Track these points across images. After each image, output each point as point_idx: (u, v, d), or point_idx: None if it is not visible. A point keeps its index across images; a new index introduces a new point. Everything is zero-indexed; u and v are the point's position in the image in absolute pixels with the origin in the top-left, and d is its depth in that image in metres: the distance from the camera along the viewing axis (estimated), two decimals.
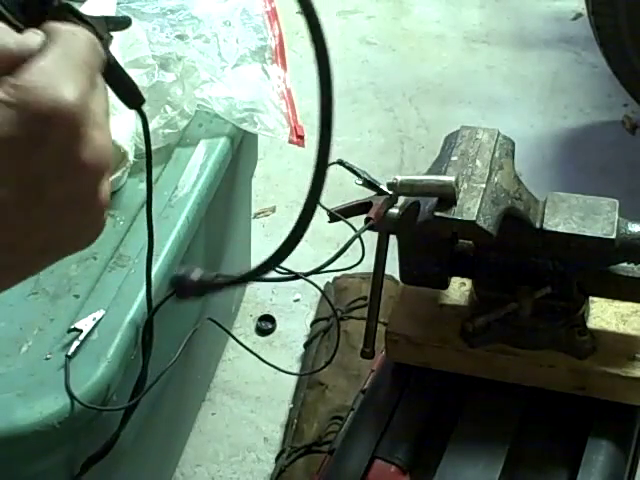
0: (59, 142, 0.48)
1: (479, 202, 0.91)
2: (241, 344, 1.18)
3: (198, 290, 0.71)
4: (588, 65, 2.70)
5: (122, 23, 0.64)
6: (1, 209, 0.47)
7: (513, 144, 1.01)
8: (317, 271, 0.92)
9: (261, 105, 1.38)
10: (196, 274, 0.70)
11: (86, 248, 0.54)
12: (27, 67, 0.47)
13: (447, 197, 0.91)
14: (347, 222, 1.00)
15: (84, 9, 0.63)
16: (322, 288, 1.90)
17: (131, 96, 0.66)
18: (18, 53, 0.48)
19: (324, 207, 1.01)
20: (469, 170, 0.95)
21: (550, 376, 1.02)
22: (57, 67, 0.48)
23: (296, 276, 0.97)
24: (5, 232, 0.48)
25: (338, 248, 0.93)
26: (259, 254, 1.95)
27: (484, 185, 0.93)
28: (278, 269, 0.96)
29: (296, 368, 1.80)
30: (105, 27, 0.58)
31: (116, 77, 0.62)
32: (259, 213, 2.16)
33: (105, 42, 0.57)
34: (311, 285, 0.95)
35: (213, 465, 1.65)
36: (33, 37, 0.50)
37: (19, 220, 0.48)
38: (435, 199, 0.91)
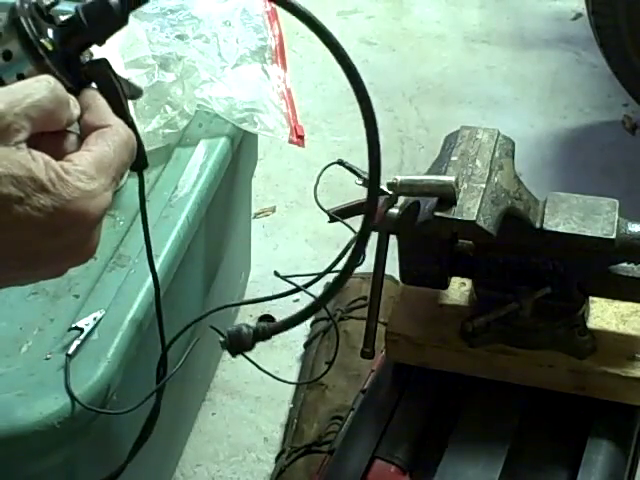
0: (71, 236, 0.56)
1: (479, 202, 0.91)
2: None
3: (252, 344, 0.77)
4: (588, 65, 2.70)
5: (137, 92, 0.67)
6: None
7: (513, 144, 1.01)
8: (316, 280, 0.92)
9: (261, 105, 1.38)
10: (246, 329, 0.77)
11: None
12: (77, 159, 0.56)
13: (447, 197, 0.91)
14: (345, 224, 1.00)
15: None
16: (323, 288, 1.91)
17: (138, 160, 0.68)
18: (70, 114, 0.57)
19: (323, 208, 1.01)
20: (469, 170, 0.95)
21: (550, 376, 1.02)
22: (98, 170, 0.56)
23: (297, 289, 0.97)
24: None
25: (338, 248, 0.93)
26: (259, 254, 1.95)
27: (484, 185, 0.93)
28: (278, 278, 0.97)
29: (296, 368, 1.80)
30: (128, 86, 0.65)
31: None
32: (259, 213, 2.16)
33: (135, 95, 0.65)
34: (311, 285, 0.95)
35: (213, 465, 1.65)
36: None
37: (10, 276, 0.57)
38: (435, 199, 0.91)
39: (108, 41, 0.63)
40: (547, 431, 1.02)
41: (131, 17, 0.64)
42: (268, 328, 0.77)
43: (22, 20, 0.59)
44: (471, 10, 3.02)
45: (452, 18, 2.98)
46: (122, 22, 0.62)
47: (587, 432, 1.00)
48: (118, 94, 0.63)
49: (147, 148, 1.33)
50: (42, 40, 0.60)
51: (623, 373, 0.99)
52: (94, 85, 0.63)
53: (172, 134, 1.30)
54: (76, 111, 0.58)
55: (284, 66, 1.47)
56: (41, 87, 0.55)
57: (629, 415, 1.02)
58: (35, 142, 0.54)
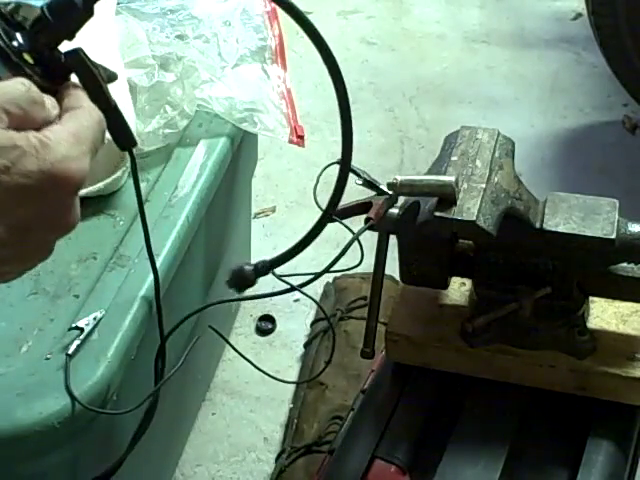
0: (56, 202, 0.59)
1: (479, 202, 0.91)
2: (235, 350, 1.18)
3: (254, 278, 0.83)
4: (588, 65, 2.70)
5: (112, 76, 0.70)
6: None
7: (513, 144, 1.01)
8: (314, 279, 0.92)
9: (261, 105, 1.38)
10: (248, 267, 0.82)
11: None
12: (55, 131, 0.59)
13: (447, 197, 0.91)
14: (344, 224, 1.00)
15: None
16: (322, 288, 1.91)
17: (125, 138, 0.74)
18: (46, 115, 0.60)
19: (322, 209, 1.01)
20: (469, 170, 0.95)
21: (550, 376, 1.02)
22: (76, 140, 0.60)
23: (292, 288, 0.97)
24: None
25: (338, 248, 0.93)
26: (259, 254, 1.95)
27: (484, 185, 0.93)
28: (276, 278, 0.97)
29: (296, 368, 1.80)
30: (104, 70, 0.68)
31: (114, 120, 0.70)
32: (259, 213, 2.16)
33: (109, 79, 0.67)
34: (311, 285, 0.95)
35: (213, 465, 1.65)
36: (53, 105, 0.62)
37: None
38: (435, 199, 0.91)
39: (107, 38, 0.65)
40: (547, 431, 1.02)
41: (131, 17, 0.65)
42: (267, 262, 0.83)
43: None
44: (471, 10, 3.02)
45: (452, 18, 2.98)
46: (87, 15, 0.64)
47: (587, 432, 1.00)
48: (97, 80, 0.66)
49: (147, 148, 1.34)
50: (14, 43, 0.62)
51: (623, 373, 0.99)
52: (74, 76, 0.66)
53: (172, 134, 1.30)
54: (54, 112, 0.61)
55: (284, 66, 1.47)
56: (16, 87, 0.58)
57: (629, 415, 1.02)
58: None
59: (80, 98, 0.64)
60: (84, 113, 0.63)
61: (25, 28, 0.63)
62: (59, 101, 0.63)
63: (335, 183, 0.78)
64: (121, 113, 0.71)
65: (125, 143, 0.75)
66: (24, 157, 0.56)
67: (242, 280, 0.85)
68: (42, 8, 0.63)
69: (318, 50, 0.71)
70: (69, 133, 0.60)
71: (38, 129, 0.59)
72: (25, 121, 0.58)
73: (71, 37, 0.65)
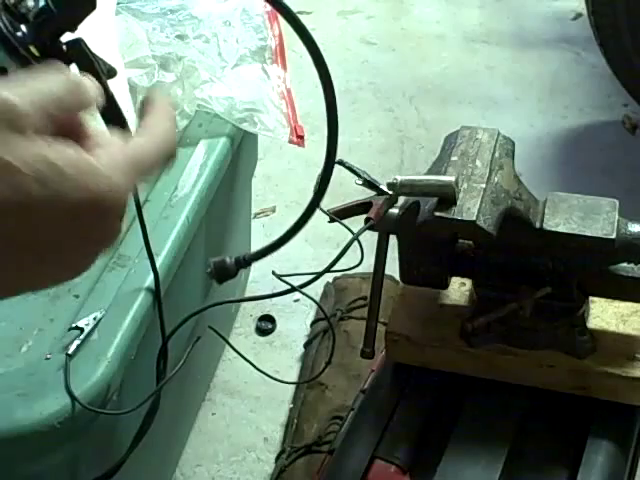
0: (92, 228, 0.51)
1: (479, 202, 0.91)
2: (235, 350, 1.18)
3: (235, 271, 0.84)
4: (588, 65, 2.70)
5: (112, 71, 0.70)
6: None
7: (513, 144, 1.01)
8: (314, 279, 0.92)
9: (261, 105, 1.38)
10: (229, 260, 0.83)
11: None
12: (110, 154, 0.51)
13: (447, 197, 0.91)
14: (344, 224, 1.00)
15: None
16: (322, 288, 1.91)
17: (120, 123, 0.72)
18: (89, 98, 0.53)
19: (322, 209, 1.01)
20: (469, 170, 0.95)
21: (550, 376, 1.02)
22: (132, 169, 0.52)
23: (292, 289, 0.97)
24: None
25: (338, 247, 0.93)
26: None
27: (484, 185, 0.93)
28: (276, 278, 0.98)
29: (296, 368, 1.80)
30: (104, 64, 0.67)
31: (110, 112, 0.69)
32: (259, 213, 2.16)
33: (106, 78, 0.66)
34: (311, 285, 0.95)
35: (213, 465, 1.65)
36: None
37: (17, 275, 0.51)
38: (435, 199, 0.91)
39: (107, 38, 0.65)
40: (547, 431, 1.02)
41: (131, 17, 0.65)
42: (248, 256, 0.85)
43: None
44: (471, 10, 3.02)
45: (452, 18, 2.98)
46: (91, 7, 0.63)
47: (587, 432, 1.00)
48: (96, 71, 0.66)
49: None
50: (19, 34, 0.61)
51: (623, 373, 0.99)
52: (75, 66, 0.65)
53: None
54: (97, 95, 0.54)
55: (284, 66, 1.47)
56: (54, 78, 0.51)
57: (629, 415, 1.02)
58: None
59: (158, 116, 0.58)
60: (154, 137, 0.56)
61: (28, 19, 0.63)
62: (142, 114, 0.58)
63: (321, 171, 0.79)
64: (119, 106, 0.71)
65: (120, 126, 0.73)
66: (66, 184, 0.48)
67: (223, 271, 0.85)
68: None
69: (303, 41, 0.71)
70: (125, 160, 0.52)
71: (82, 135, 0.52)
72: (70, 116, 0.51)
73: (73, 29, 0.65)
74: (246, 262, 0.86)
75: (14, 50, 0.61)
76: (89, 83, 0.53)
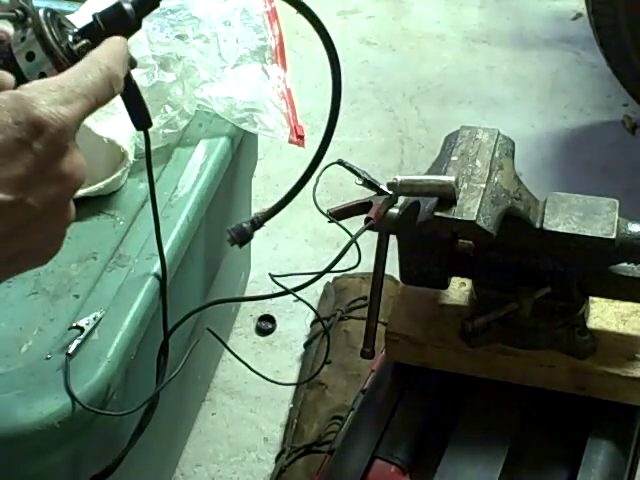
0: (45, 150, 0.55)
1: (479, 202, 0.91)
2: (232, 353, 1.18)
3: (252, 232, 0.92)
4: (588, 65, 2.70)
5: (132, 62, 0.71)
6: None
7: (513, 144, 1.01)
8: (313, 280, 0.92)
9: (261, 105, 1.38)
10: (246, 224, 0.92)
11: (45, 264, 0.60)
12: (33, 84, 0.56)
13: (447, 197, 0.91)
14: (341, 226, 1.00)
15: (84, 9, 0.67)
16: (322, 288, 1.91)
17: (141, 118, 0.76)
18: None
19: (321, 210, 1.01)
20: (469, 170, 0.95)
21: (550, 376, 1.02)
22: (59, 88, 0.56)
23: (287, 291, 0.97)
24: None
25: (338, 248, 0.93)
26: (259, 254, 1.95)
27: (484, 185, 0.93)
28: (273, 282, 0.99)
29: (296, 368, 1.80)
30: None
31: (133, 99, 0.73)
32: (259, 213, 2.15)
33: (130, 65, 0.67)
34: (311, 285, 0.95)
35: (213, 465, 1.65)
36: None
37: None
38: (435, 199, 0.91)
39: None
40: (547, 431, 1.02)
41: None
42: (261, 216, 0.93)
43: (44, 26, 0.64)
44: (471, 10, 3.02)
45: (452, 18, 2.98)
46: (136, 27, 0.67)
47: (587, 432, 1.00)
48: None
49: None
50: (61, 44, 0.65)
51: (623, 373, 0.99)
52: None
53: (172, 134, 1.30)
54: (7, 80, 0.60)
55: (284, 66, 1.47)
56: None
57: (629, 415, 1.02)
58: None
59: (97, 49, 0.62)
60: (83, 62, 0.61)
61: (75, 31, 0.67)
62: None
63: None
64: (140, 93, 0.73)
65: (141, 123, 0.77)
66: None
67: (242, 235, 0.92)
68: (94, 16, 0.66)
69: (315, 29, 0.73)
70: (51, 82, 0.57)
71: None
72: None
73: None
74: (260, 222, 0.92)
75: (58, 63, 0.64)
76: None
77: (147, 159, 0.93)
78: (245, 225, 0.92)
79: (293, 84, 1.48)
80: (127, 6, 0.66)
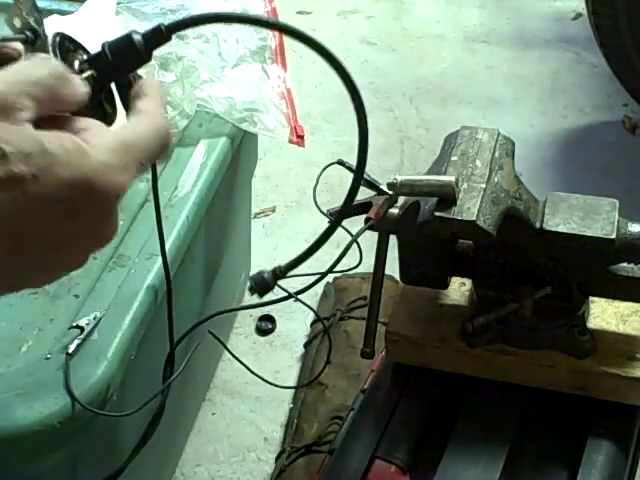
0: (90, 216, 0.52)
1: (479, 202, 0.91)
2: (233, 355, 1.18)
3: (274, 282, 0.87)
4: (588, 65, 2.71)
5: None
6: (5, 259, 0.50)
7: (513, 144, 1.01)
8: (315, 283, 0.92)
9: (261, 105, 1.38)
10: (267, 273, 0.87)
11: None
12: (98, 135, 0.52)
13: (447, 197, 0.91)
14: (343, 227, 1.00)
15: (84, 9, 0.66)
16: (322, 288, 1.91)
17: None
18: (73, 91, 0.54)
19: (321, 210, 1.01)
20: (469, 170, 0.95)
21: (550, 376, 1.02)
22: (122, 149, 0.53)
23: (289, 296, 0.97)
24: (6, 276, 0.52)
25: (338, 248, 0.93)
26: (259, 254, 1.95)
27: (484, 185, 0.93)
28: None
29: (296, 368, 1.80)
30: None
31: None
32: (259, 213, 2.16)
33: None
34: (308, 289, 0.95)
35: (213, 465, 1.65)
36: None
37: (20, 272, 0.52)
38: (435, 199, 0.91)
39: (107, 38, 0.66)
40: (547, 431, 1.02)
41: (131, 17, 0.66)
42: (283, 267, 0.87)
43: (51, 53, 0.62)
44: (471, 10, 3.02)
45: (452, 18, 2.98)
46: (146, 59, 0.66)
47: (587, 432, 1.00)
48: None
49: None
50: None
51: (623, 373, 0.99)
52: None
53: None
54: (81, 89, 0.55)
55: (284, 66, 1.47)
56: (38, 65, 0.52)
57: (629, 415, 1.02)
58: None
59: (149, 101, 0.59)
60: (145, 120, 0.57)
61: (74, 60, 0.65)
62: (133, 98, 0.59)
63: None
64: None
65: None
66: (55, 165, 0.49)
67: (262, 285, 0.89)
68: (103, 45, 0.64)
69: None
70: (115, 140, 0.53)
71: (67, 119, 0.53)
72: (54, 101, 0.52)
73: (125, 77, 0.66)
74: (282, 272, 0.89)
75: None
76: (77, 78, 0.54)
77: (153, 171, 0.93)
78: (266, 275, 0.89)
79: (293, 84, 1.48)
80: (137, 37, 0.64)
